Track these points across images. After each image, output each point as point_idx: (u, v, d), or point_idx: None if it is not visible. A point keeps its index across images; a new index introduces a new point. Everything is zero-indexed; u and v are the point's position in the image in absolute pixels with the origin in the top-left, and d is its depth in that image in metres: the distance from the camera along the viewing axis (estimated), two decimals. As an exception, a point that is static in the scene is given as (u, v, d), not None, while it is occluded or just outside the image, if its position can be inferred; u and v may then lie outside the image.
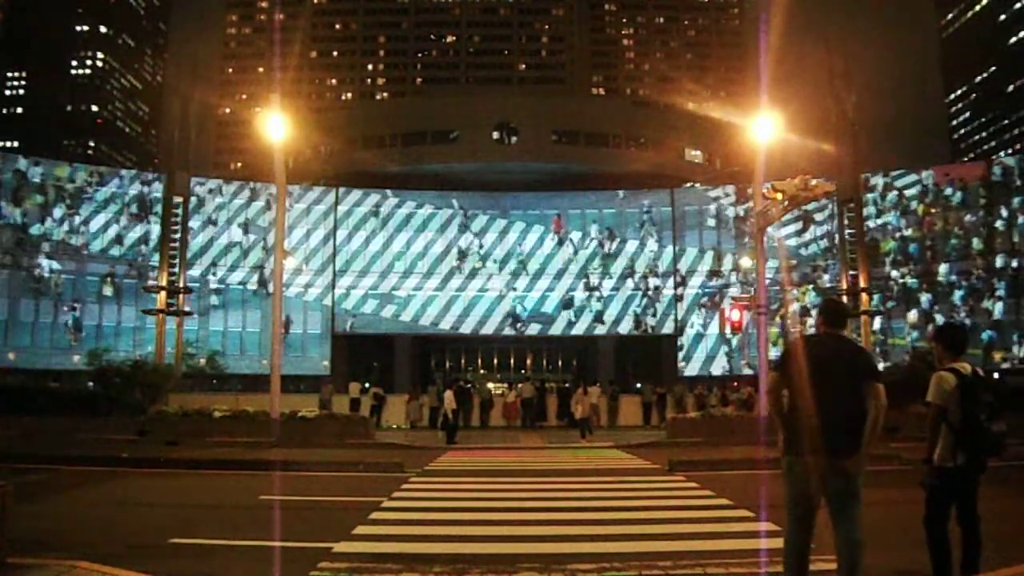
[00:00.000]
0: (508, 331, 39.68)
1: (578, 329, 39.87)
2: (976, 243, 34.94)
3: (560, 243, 40.03)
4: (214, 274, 37.31)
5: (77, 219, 35.46)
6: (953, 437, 4.60)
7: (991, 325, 34.26)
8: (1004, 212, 34.68)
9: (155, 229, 33.65)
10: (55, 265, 34.82)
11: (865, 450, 4.10)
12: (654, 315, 39.23)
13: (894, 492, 4.77)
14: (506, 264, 39.76)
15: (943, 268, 35.35)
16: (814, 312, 30.02)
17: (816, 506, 4.25)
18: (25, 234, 34.64)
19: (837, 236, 32.79)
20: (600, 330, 39.71)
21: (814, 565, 4.84)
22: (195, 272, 36.15)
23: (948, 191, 35.82)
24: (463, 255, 39.74)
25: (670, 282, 39.25)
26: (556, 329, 39.89)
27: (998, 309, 34.12)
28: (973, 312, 34.29)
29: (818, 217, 37.32)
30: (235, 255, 37.64)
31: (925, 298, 35.36)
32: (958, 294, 34.84)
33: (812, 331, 4.99)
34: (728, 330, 37.70)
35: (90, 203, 35.81)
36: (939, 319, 33.83)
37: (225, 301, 37.17)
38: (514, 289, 39.60)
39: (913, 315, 35.42)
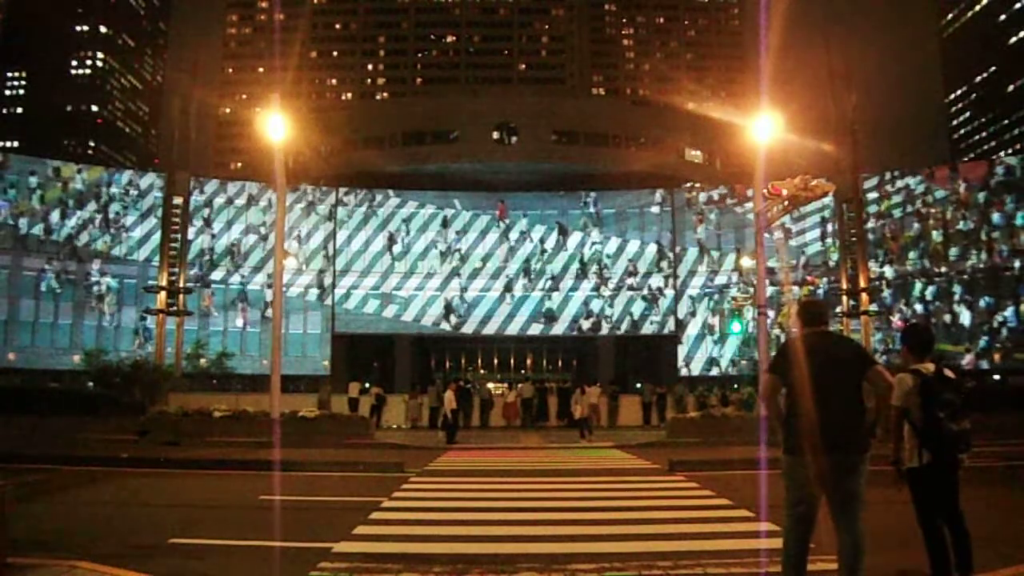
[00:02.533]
0: (445, 326, 39.59)
1: (581, 329, 39.89)
2: (936, 236, 34.91)
3: (531, 240, 40.19)
4: (270, 285, 37.20)
5: (124, 230, 36.02)
6: (916, 437, 4.65)
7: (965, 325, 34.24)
8: (967, 213, 34.66)
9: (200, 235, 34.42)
10: (111, 282, 35.25)
11: (869, 439, 4.09)
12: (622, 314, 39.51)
13: (894, 492, 4.75)
14: (506, 264, 39.73)
15: (911, 265, 35.34)
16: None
17: (817, 505, 4.24)
18: (73, 244, 35.04)
19: (831, 238, 32.68)
20: (605, 330, 39.78)
21: (814, 565, 4.83)
22: (259, 278, 37.01)
23: (920, 189, 35.94)
24: (464, 256, 39.73)
25: (670, 281, 39.31)
26: (558, 329, 39.88)
27: (965, 315, 34.07)
28: (944, 312, 34.29)
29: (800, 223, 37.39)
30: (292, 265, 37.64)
31: (887, 293, 35.31)
32: (930, 290, 34.89)
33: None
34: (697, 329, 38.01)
35: (132, 209, 36.24)
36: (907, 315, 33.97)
37: (288, 310, 36.27)
38: (513, 289, 39.61)
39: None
